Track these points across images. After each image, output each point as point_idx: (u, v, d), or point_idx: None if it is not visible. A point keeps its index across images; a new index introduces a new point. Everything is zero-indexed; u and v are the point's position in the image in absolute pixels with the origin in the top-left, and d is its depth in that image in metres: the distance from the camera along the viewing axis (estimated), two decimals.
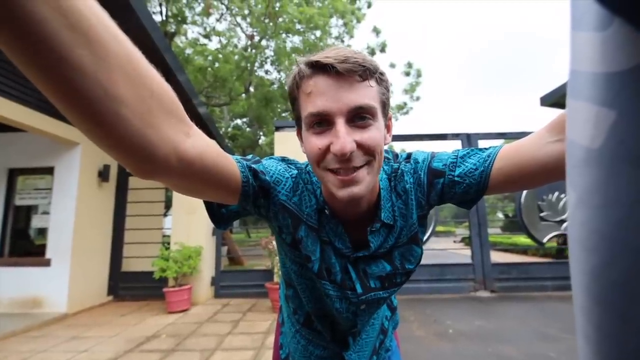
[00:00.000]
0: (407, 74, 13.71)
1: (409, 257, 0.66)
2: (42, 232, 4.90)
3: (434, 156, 0.65)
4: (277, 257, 4.39)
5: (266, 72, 11.66)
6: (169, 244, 4.97)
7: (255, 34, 10.77)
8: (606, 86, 0.15)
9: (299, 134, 0.60)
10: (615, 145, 0.15)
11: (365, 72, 0.50)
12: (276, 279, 4.56)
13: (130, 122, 0.30)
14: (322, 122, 0.52)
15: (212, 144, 0.43)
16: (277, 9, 9.69)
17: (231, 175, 0.50)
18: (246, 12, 10.51)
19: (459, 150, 0.64)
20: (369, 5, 12.44)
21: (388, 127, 0.59)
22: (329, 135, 0.52)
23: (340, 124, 0.50)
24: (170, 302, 4.36)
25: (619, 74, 0.14)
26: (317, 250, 0.63)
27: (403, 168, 0.65)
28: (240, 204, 0.56)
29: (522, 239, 10.97)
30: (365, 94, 0.51)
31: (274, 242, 4.46)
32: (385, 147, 0.60)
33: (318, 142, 0.52)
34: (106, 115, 0.29)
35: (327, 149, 0.52)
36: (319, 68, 0.51)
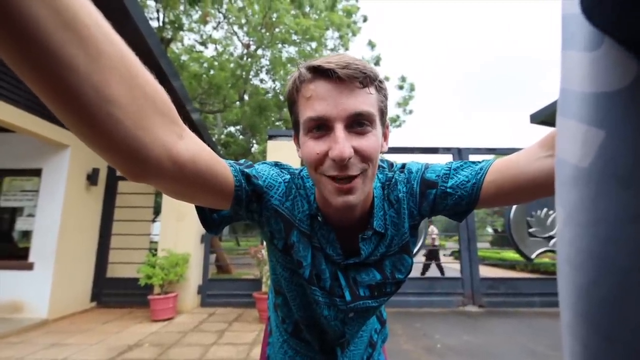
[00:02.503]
0: (401, 87, 13.91)
1: (399, 267, 0.66)
2: (27, 235, 4.77)
3: (428, 167, 0.65)
4: (266, 267, 4.34)
5: (261, 80, 11.71)
6: (156, 250, 4.87)
7: (251, 43, 10.85)
8: (596, 106, 0.15)
9: (296, 139, 0.59)
10: (604, 164, 0.15)
11: (366, 79, 0.50)
12: (264, 288, 4.50)
13: (123, 123, 0.30)
14: (321, 127, 0.51)
15: (205, 147, 0.42)
16: (274, 19, 9.80)
17: (224, 180, 0.49)
18: (243, 21, 10.60)
19: (452, 162, 0.64)
20: (365, 20, 12.68)
21: (385, 136, 0.59)
22: (327, 141, 0.51)
23: (340, 129, 0.50)
24: (154, 310, 4.25)
25: (608, 94, 0.15)
26: (308, 256, 0.62)
27: (397, 177, 0.65)
28: (232, 208, 0.55)
29: (511, 254, 11.05)
30: (365, 101, 0.51)
31: (263, 251, 4.42)
32: (381, 156, 0.60)
33: (316, 147, 0.52)
34: (98, 116, 0.28)
35: (325, 154, 0.51)
36: (320, 73, 0.50)
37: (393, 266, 0.65)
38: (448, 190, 0.60)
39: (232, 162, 0.56)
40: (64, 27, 0.24)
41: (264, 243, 4.67)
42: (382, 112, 0.55)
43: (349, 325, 0.68)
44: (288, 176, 0.64)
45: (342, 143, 0.49)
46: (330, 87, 0.50)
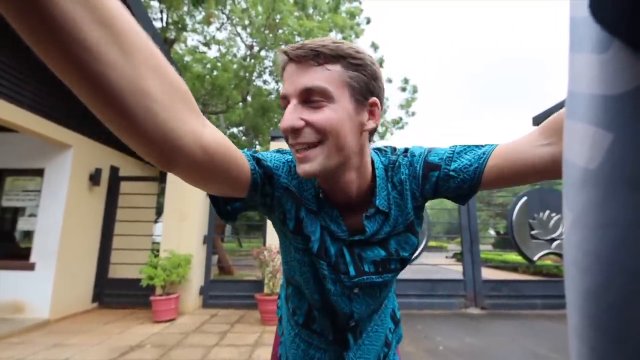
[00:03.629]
0: (404, 89, 13.91)
1: (404, 245, 0.68)
2: (28, 235, 4.79)
3: (431, 151, 0.67)
4: (269, 268, 4.35)
5: (264, 82, 11.74)
6: (158, 251, 4.88)
7: (254, 44, 10.89)
8: (604, 108, 0.15)
9: None
10: (612, 167, 0.15)
11: (318, 56, 0.54)
12: (266, 290, 4.50)
13: (159, 115, 0.31)
14: (286, 104, 0.56)
15: (223, 135, 0.45)
16: (277, 20, 9.83)
17: (242, 165, 0.52)
18: (246, 22, 10.64)
19: (456, 146, 0.66)
20: (368, 22, 12.70)
21: (371, 113, 0.60)
22: None
23: (291, 105, 0.55)
24: (156, 311, 4.25)
25: (617, 97, 0.15)
26: (317, 231, 0.65)
27: (400, 161, 0.68)
28: (249, 194, 0.57)
29: (513, 257, 11.00)
30: (318, 77, 0.53)
31: (265, 253, 4.42)
32: (368, 130, 0.60)
33: (282, 122, 0.57)
34: (136, 109, 0.30)
35: None
36: (285, 56, 0.56)
37: (398, 244, 0.67)
38: (451, 173, 0.62)
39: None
40: (99, 25, 0.25)
41: (268, 244, 4.66)
42: (353, 88, 0.56)
43: (356, 303, 0.68)
44: (290, 157, 0.67)
45: (286, 116, 0.54)
46: (292, 67, 0.56)
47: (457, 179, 0.61)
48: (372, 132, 0.62)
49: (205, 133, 0.39)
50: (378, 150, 0.72)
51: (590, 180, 0.16)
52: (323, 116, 0.54)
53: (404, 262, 0.69)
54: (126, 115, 0.30)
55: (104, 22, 0.25)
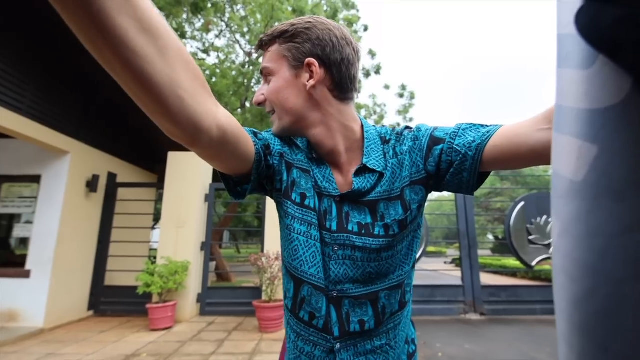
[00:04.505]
0: (401, 95, 14.00)
1: (391, 211, 0.67)
2: (24, 242, 4.75)
3: (437, 128, 0.70)
4: (266, 275, 4.32)
5: None
6: (155, 257, 4.85)
7: (253, 51, 10.96)
8: (589, 122, 0.16)
9: None
10: (597, 178, 0.15)
11: (264, 43, 0.68)
12: (264, 296, 4.47)
13: (187, 101, 0.39)
14: None
15: (230, 114, 0.53)
16: None
17: (248, 138, 0.60)
18: (245, 29, 10.72)
19: (462, 123, 0.67)
20: (366, 29, 12.83)
21: (311, 71, 0.66)
22: None
23: (262, 83, 0.69)
24: (153, 319, 4.21)
25: (601, 111, 0.15)
26: (311, 189, 0.69)
27: (406, 134, 0.72)
28: (255, 165, 0.64)
29: (512, 262, 11.00)
30: (266, 59, 0.68)
31: (264, 259, 4.40)
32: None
33: None
34: (171, 98, 0.37)
35: None
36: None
37: (386, 209, 0.67)
38: (455, 147, 0.63)
39: None
40: (142, 32, 0.32)
41: (265, 251, 4.62)
42: (287, 58, 0.66)
43: (334, 262, 0.66)
44: None
45: (255, 93, 0.70)
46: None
47: (459, 154, 0.62)
48: (332, 89, 0.67)
49: (219, 113, 0.47)
50: (380, 126, 0.77)
51: (576, 191, 0.16)
52: (267, 88, 0.67)
53: (387, 229, 0.66)
54: (162, 102, 0.37)
55: (146, 30, 0.33)
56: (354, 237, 0.66)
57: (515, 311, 4.90)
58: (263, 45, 0.68)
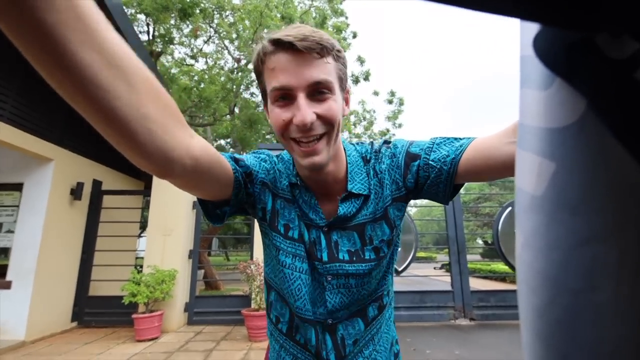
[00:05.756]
0: (390, 101, 14.17)
1: (378, 233, 0.68)
2: (5, 252, 4.59)
3: (412, 143, 0.70)
4: (255, 282, 4.28)
5: (252, 94, 11.79)
6: (141, 266, 4.75)
7: (242, 57, 10.97)
8: (548, 140, 0.16)
9: (266, 107, 0.65)
10: (556, 193, 0.16)
11: (323, 49, 0.55)
12: (254, 305, 4.41)
13: (157, 133, 0.37)
14: (285, 96, 0.57)
15: (207, 143, 0.50)
16: (264, 35, 9.94)
17: (226, 167, 0.57)
18: (234, 36, 10.73)
19: (436, 137, 0.68)
20: (354, 36, 12.99)
21: (346, 100, 0.64)
22: (291, 108, 0.57)
23: (302, 97, 0.55)
24: (139, 330, 4.11)
25: (559, 130, 0.16)
26: (295, 220, 0.68)
27: (383, 152, 0.70)
28: (234, 192, 0.61)
29: (501, 266, 11.15)
30: (323, 70, 0.56)
31: (252, 267, 4.36)
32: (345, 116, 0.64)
33: (282, 114, 0.58)
34: (139, 131, 0.35)
35: (290, 121, 0.57)
36: (281, 45, 0.55)
37: (373, 231, 0.67)
38: (430, 162, 0.64)
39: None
40: (109, 66, 0.30)
41: (255, 258, 4.58)
42: (341, 79, 0.60)
43: (329, 292, 0.66)
44: (264, 156, 0.72)
45: (304, 110, 0.55)
46: (290, 58, 0.55)
47: (435, 169, 0.63)
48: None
49: (193, 143, 0.45)
50: (356, 144, 0.75)
51: (536, 205, 0.17)
52: (330, 107, 0.57)
53: (378, 251, 0.67)
54: (130, 136, 0.35)
55: (112, 63, 0.30)
56: (346, 265, 0.66)
57: (505, 316, 4.95)
58: (322, 49, 0.56)
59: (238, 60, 11.16)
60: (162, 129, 0.38)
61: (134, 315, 4.18)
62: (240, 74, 10.78)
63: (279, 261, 0.68)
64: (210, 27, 10.78)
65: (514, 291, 5.30)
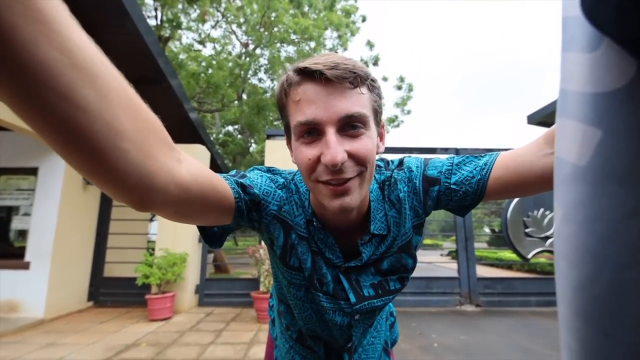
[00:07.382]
0: (399, 87, 13.94)
1: (397, 265, 0.64)
2: (23, 234, 4.73)
3: (427, 164, 0.64)
4: (264, 266, 4.34)
5: (260, 80, 11.70)
6: (153, 249, 4.86)
7: (250, 42, 10.84)
8: (593, 106, 0.15)
9: (289, 143, 0.57)
10: (601, 163, 0.15)
11: (356, 78, 0.48)
12: (262, 288, 4.50)
13: (132, 154, 0.29)
14: (312, 131, 0.50)
15: (202, 166, 0.42)
16: (272, 18, 9.79)
17: (224, 194, 0.48)
18: (242, 20, 10.59)
19: (454, 157, 0.63)
20: (364, 20, 12.69)
21: (381, 136, 0.57)
22: (319, 145, 0.49)
23: (331, 133, 0.48)
24: (152, 310, 4.24)
25: (606, 95, 0.15)
26: (308, 260, 0.62)
27: (396, 176, 0.63)
28: (234, 220, 0.54)
29: (508, 254, 11.09)
30: (357, 102, 0.49)
31: (261, 251, 4.42)
32: (378, 157, 0.59)
33: (308, 152, 0.50)
34: (109, 151, 0.27)
35: (317, 160, 0.50)
36: (307, 75, 0.48)
37: (391, 265, 0.64)
38: (452, 186, 0.59)
39: (225, 175, 0.55)
40: (73, 67, 0.23)
41: (263, 243, 4.64)
42: (376, 112, 0.53)
43: (355, 328, 0.67)
44: (282, 181, 0.64)
45: (334, 148, 0.47)
46: (319, 89, 0.48)
47: (459, 192, 0.59)
48: None
49: (181, 169, 0.36)
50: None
51: (580, 176, 0.16)
52: (364, 145, 0.50)
53: (403, 280, 0.66)
54: (99, 158, 0.27)
55: (78, 65, 0.24)
56: (375, 301, 0.64)
57: (510, 303, 4.96)
58: (356, 79, 0.48)
59: (246, 45, 11.04)
60: (140, 149, 0.30)
61: (147, 296, 4.30)
62: (248, 59, 10.68)
63: (290, 292, 0.67)
64: (218, 11, 10.64)
65: (521, 279, 5.30)
